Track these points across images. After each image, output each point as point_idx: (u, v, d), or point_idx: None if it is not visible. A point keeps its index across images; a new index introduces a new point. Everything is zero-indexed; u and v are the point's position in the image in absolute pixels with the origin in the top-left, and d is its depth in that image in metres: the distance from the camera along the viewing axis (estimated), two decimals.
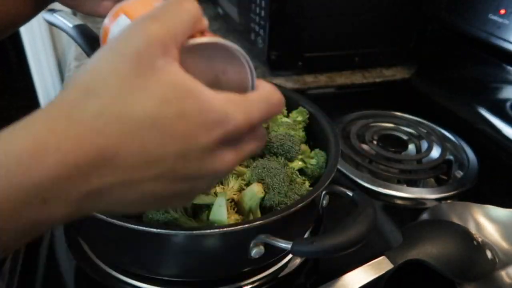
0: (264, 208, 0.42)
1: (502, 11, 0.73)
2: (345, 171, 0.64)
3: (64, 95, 0.22)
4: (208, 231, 0.35)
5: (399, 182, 0.65)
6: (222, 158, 0.25)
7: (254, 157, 0.47)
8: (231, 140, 0.25)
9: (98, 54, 0.23)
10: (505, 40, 0.73)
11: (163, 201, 0.26)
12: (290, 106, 0.57)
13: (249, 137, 0.27)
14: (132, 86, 0.21)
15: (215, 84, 0.26)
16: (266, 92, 0.27)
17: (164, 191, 0.24)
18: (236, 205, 0.41)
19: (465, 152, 0.71)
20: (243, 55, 0.28)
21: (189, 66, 0.24)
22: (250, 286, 0.44)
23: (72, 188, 0.21)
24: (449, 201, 0.61)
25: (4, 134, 0.20)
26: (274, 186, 0.41)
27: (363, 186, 0.62)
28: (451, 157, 0.70)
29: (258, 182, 0.42)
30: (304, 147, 0.51)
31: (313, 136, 0.54)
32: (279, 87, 0.59)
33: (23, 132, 0.20)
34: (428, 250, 0.46)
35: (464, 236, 0.49)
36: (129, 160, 0.22)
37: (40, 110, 0.21)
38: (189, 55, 0.26)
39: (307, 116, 0.55)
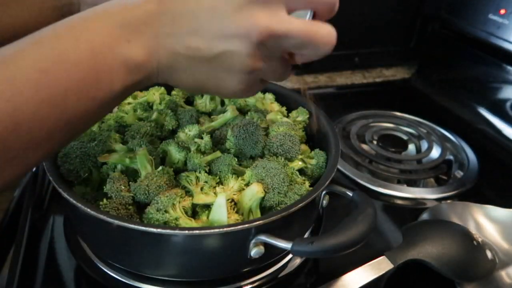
0: (264, 208, 0.42)
1: (502, 11, 0.73)
2: (345, 171, 0.64)
3: None
4: (208, 231, 0.35)
5: (399, 182, 0.65)
6: (252, 15, 0.27)
7: (254, 156, 0.47)
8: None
9: None
10: (505, 40, 0.73)
11: (210, 65, 0.30)
12: (290, 106, 0.58)
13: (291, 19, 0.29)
14: None
15: None
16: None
17: (206, 49, 0.29)
18: (236, 205, 0.41)
19: (465, 152, 0.71)
20: None
21: None
22: (250, 286, 0.44)
23: (145, 31, 0.28)
24: (449, 201, 0.61)
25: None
26: (274, 186, 0.41)
27: (363, 186, 0.62)
28: (451, 157, 0.70)
29: (258, 182, 0.42)
30: (304, 147, 0.51)
31: (313, 136, 0.54)
32: (280, 87, 0.60)
33: None
34: (428, 250, 0.46)
35: (464, 236, 0.49)
36: (175, 13, 0.28)
37: None
38: None
39: (307, 116, 0.55)
